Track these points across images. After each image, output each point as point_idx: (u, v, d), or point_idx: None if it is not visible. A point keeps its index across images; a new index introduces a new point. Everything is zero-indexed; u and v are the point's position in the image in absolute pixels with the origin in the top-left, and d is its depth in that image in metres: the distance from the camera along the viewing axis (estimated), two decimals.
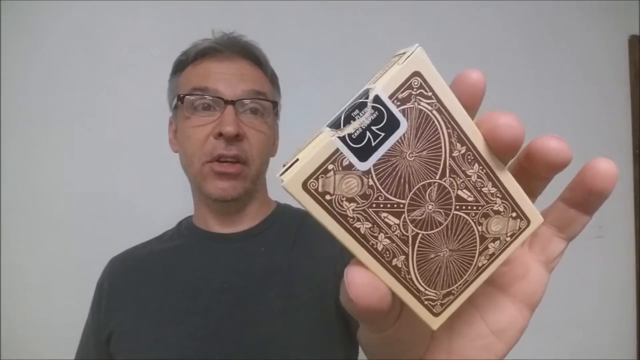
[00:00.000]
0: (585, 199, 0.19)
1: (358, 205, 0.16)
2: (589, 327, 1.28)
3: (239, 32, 0.60)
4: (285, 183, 0.15)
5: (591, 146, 1.34)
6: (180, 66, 0.58)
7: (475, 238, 0.18)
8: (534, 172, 0.19)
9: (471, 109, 0.17)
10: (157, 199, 0.96)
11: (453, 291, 0.18)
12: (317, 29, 1.12)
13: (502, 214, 0.18)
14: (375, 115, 0.15)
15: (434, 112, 0.16)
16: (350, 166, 0.15)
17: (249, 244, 0.57)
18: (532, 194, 0.20)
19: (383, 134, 0.15)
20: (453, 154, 0.17)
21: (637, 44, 1.40)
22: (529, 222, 0.19)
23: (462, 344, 0.21)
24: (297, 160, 0.15)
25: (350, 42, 1.13)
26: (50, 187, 0.95)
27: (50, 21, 0.96)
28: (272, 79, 0.61)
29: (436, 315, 0.18)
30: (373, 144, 0.15)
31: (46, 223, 0.94)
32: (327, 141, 0.15)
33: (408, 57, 0.15)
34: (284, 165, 0.16)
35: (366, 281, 0.16)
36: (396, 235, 0.16)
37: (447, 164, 0.17)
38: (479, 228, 0.18)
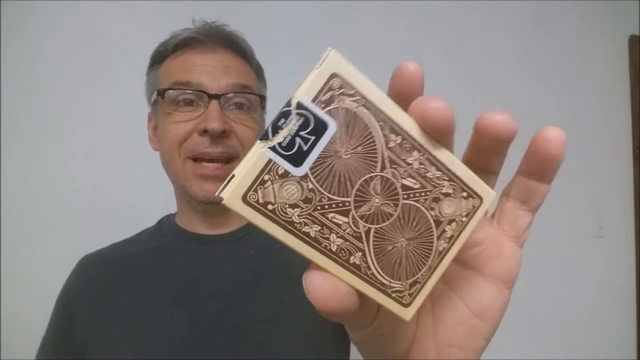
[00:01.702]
0: (541, 167, 0.19)
1: (302, 210, 0.16)
2: (588, 327, 1.28)
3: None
4: (226, 200, 0.15)
5: (591, 146, 1.34)
6: (159, 58, 0.55)
7: (430, 223, 0.18)
8: (486, 146, 0.19)
9: (413, 99, 0.18)
10: (158, 199, 0.96)
11: (419, 279, 0.18)
12: (315, 28, 1.12)
13: (452, 195, 0.18)
14: (301, 120, 0.15)
15: (361, 107, 0.16)
16: (286, 173, 0.15)
17: (237, 245, 0.54)
18: (492, 171, 0.21)
19: (313, 138, 0.15)
20: (389, 145, 0.17)
21: (637, 44, 1.40)
22: (481, 199, 0.19)
23: (447, 329, 0.22)
24: (233, 176, 0.15)
25: (349, 40, 1.13)
26: (51, 187, 0.95)
27: (50, 21, 0.96)
28: (258, 72, 0.57)
29: (406, 305, 0.18)
30: (305, 148, 0.15)
31: (46, 223, 0.94)
32: (258, 153, 0.15)
33: (323, 61, 0.16)
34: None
35: (325, 283, 0.16)
36: (348, 234, 0.17)
37: (386, 156, 0.17)
38: (432, 213, 0.18)
